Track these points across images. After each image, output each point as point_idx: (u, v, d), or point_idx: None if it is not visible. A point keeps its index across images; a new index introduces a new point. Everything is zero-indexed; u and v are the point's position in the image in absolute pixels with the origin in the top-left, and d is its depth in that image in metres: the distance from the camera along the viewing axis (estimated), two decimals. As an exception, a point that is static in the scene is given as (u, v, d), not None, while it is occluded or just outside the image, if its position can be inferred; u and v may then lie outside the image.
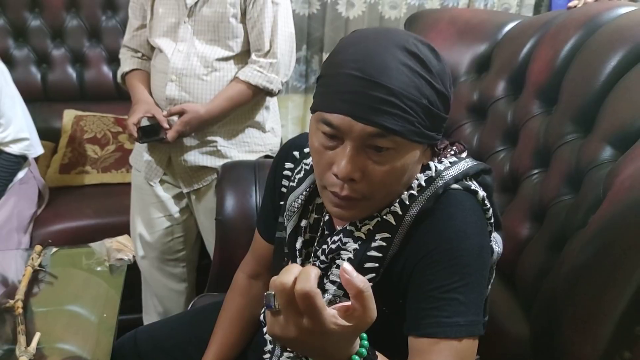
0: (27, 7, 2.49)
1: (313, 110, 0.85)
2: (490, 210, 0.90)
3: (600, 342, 0.84)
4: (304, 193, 0.99)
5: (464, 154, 0.93)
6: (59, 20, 2.53)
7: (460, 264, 0.81)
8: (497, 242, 0.94)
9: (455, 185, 0.86)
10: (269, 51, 1.73)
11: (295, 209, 0.99)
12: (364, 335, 0.71)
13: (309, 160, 1.00)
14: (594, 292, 0.87)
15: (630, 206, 0.84)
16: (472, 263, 0.82)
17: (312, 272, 0.62)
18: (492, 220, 0.91)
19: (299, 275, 0.62)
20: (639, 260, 0.79)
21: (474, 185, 0.89)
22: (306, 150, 1.03)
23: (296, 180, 1.01)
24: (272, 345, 1.08)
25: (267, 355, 1.08)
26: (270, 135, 1.93)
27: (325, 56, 2.77)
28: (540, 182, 1.17)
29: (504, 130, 1.32)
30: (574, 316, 0.92)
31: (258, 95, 1.78)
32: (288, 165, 1.06)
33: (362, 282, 0.62)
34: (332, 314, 0.63)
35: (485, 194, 0.89)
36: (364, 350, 0.70)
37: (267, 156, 1.91)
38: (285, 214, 1.02)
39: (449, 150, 0.93)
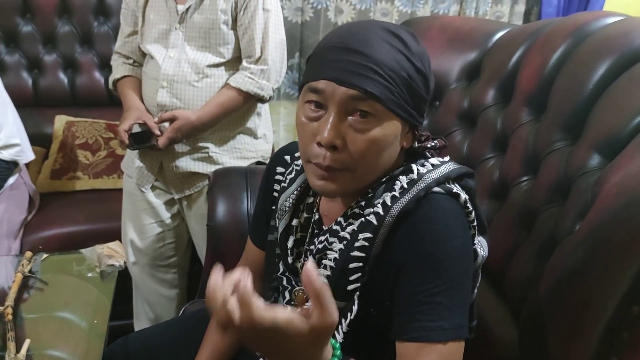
0: (19, 12, 2.49)
1: (301, 86, 0.89)
2: (473, 214, 0.91)
3: (588, 347, 0.84)
4: (295, 192, 1.01)
5: (447, 158, 0.94)
6: (50, 26, 2.53)
7: (443, 268, 0.82)
8: (482, 246, 0.95)
9: (437, 189, 0.87)
10: (259, 58, 1.74)
11: (287, 208, 1.01)
12: (337, 345, 0.72)
13: (300, 162, 1.01)
14: (581, 299, 0.88)
15: (617, 213, 0.85)
16: (454, 266, 0.83)
17: (215, 277, 0.64)
18: (475, 223, 0.92)
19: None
20: (626, 266, 0.80)
21: (456, 188, 0.89)
22: (297, 154, 1.05)
23: (287, 181, 1.03)
24: None
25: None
26: (262, 141, 1.93)
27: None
28: (530, 189, 1.18)
29: (493, 138, 1.33)
30: (562, 322, 0.92)
31: (249, 101, 1.79)
32: (280, 169, 1.08)
33: (321, 282, 0.63)
34: (263, 308, 0.62)
35: (467, 197, 0.90)
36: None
37: (258, 162, 1.92)
38: (277, 214, 1.03)
39: (430, 142, 0.95)
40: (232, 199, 1.64)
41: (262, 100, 1.80)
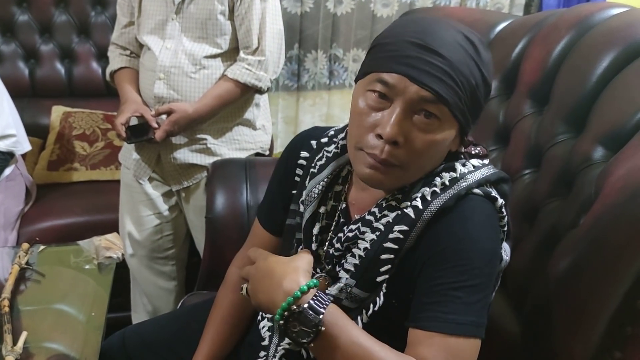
0: (15, 1, 2.47)
1: (364, 73, 0.87)
2: (505, 219, 0.92)
3: (591, 342, 0.84)
4: (326, 179, 1.00)
5: (486, 161, 0.94)
6: (47, 16, 2.51)
7: (470, 265, 0.82)
8: (506, 251, 0.96)
9: (476, 190, 0.88)
10: (257, 48, 1.72)
11: (316, 195, 1.01)
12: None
13: (331, 148, 1.02)
14: (585, 293, 0.88)
15: (622, 207, 0.84)
16: (481, 266, 0.83)
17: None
18: (506, 229, 0.93)
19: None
20: (630, 260, 0.79)
21: (494, 192, 0.90)
22: (323, 140, 1.04)
23: (317, 167, 1.02)
24: (268, 342, 1.07)
25: (263, 354, 1.06)
26: (260, 132, 1.92)
27: (319, 54, 2.77)
28: (532, 182, 1.18)
29: (495, 130, 1.32)
30: (565, 316, 0.92)
31: (247, 93, 1.77)
32: (304, 154, 1.07)
33: None
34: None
35: (503, 202, 0.90)
36: (305, 287, 0.80)
37: (257, 154, 1.91)
38: (303, 200, 1.02)
39: (473, 148, 0.95)
40: (230, 190, 1.63)
41: (259, 91, 1.79)
